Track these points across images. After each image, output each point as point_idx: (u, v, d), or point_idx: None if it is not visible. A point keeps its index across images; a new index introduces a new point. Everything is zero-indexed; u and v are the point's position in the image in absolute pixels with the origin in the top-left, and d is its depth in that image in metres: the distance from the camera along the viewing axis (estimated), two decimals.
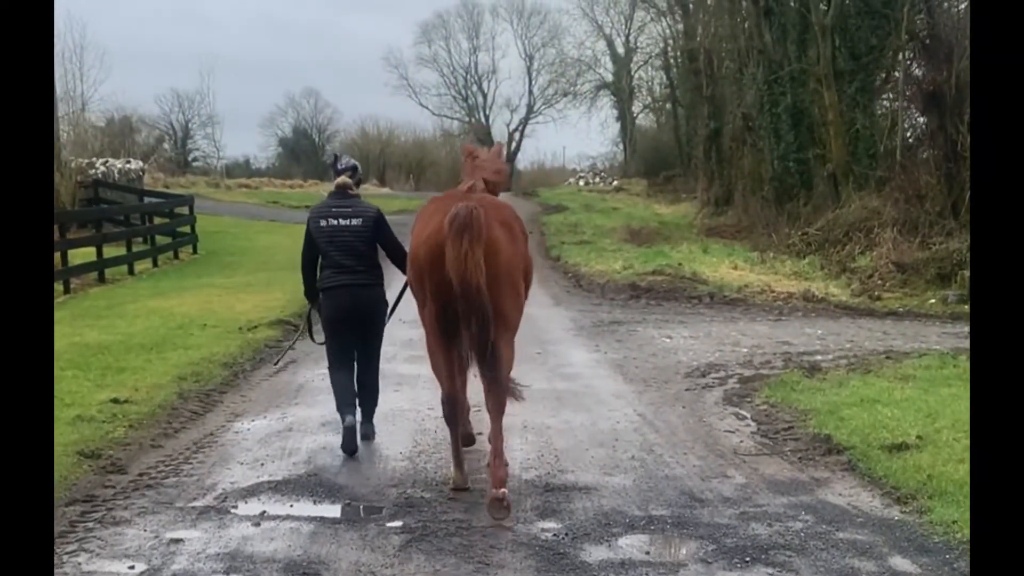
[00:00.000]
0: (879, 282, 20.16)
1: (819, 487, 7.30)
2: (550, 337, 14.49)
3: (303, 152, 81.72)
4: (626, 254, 25.16)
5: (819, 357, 13.07)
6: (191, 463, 7.92)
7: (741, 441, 8.68)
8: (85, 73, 43.36)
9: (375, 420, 8.86)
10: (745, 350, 13.61)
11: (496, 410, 7.02)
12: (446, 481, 7.37)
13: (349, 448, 8.18)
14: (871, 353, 13.34)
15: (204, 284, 20.64)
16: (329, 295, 8.41)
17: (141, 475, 7.51)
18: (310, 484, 7.33)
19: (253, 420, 9.37)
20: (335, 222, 8.35)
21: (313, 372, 11.71)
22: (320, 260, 8.46)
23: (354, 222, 8.37)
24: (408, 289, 8.03)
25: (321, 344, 8.94)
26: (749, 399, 10.42)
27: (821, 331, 15.53)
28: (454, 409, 7.44)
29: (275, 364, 11.56)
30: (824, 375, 11.48)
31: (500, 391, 7.03)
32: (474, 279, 6.57)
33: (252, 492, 7.17)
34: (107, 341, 12.95)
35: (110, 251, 23.81)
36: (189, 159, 75.81)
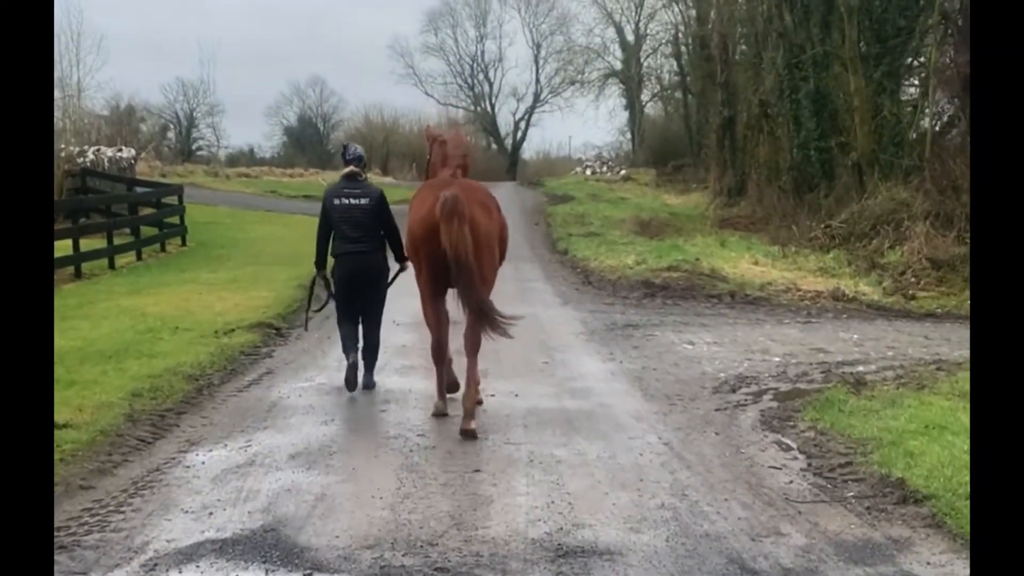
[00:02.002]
0: (913, 280, 18.68)
1: (900, 551, 5.83)
2: (558, 343, 13.04)
3: (308, 141, 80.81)
4: (638, 247, 23.64)
5: (861, 368, 11.63)
6: (123, 511, 6.46)
7: (791, 481, 7.23)
8: (82, 59, 42.08)
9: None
10: (777, 359, 12.16)
11: (472, 349, 8.88)
12: (433, 541, 5.92)
13: (351, 384, 9.83)
14: (918, 363, 11.92)
15: (187, 279, 19.19)
16: (341, 260, 10.08)
17: (57, 530, 6.03)
18: (264, 544, 5.87)
19: (210, 450, 7.91)
20: (347, 201, 10.04)
21: (291, 386, 10.28)
22: (333, 232, 10.06)
23: (363, 201, 10.06)
24: (401, 268, 10.41)
25: (316, 312, 11.44)
26: (791, 422, 8.96)
27: (857, 335, 14.09)
28: (441, 353, 9.24)
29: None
30: (872, 391, 10.04)
31: (476, 334, 8.81)
32: (463, 249, 8.40)
33: (190, 555, 5.71)
34: (64, 348, 11.45)
35: (90, 243, 22.44)
36: (193, 148, 75.02)
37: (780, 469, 7.55)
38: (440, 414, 9.01)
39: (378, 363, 10.51)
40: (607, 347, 12.81)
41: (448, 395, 9.31)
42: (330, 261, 10.26)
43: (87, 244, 22.43)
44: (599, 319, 15.07)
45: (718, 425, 8.92)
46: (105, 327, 13.13)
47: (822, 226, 24.55)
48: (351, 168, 10.24)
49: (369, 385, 10.13)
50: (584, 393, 10.11)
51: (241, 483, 7.03)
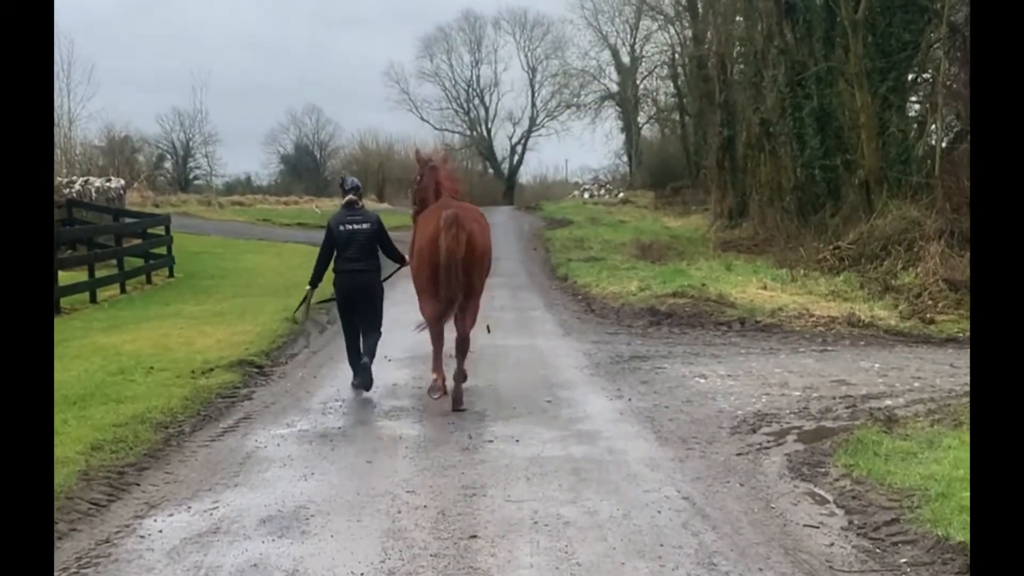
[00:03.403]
0: (930, 302, 17.78)
1: None
2: (561, 378, 12.14)
3: (305, 169, 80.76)
4: (641, 272, 22.71)
5: (889, 402, 10.75)
6: None
7: (832, 544, 6.32)
8: (72, 89, 41.39)
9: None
10: (797, 393, 11.27)
11: (461, 351, 10.61)
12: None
13: (365, 385, 11.11)
14: (949, 395, 11.04)
15: (170, 313, 18.30)
16: (341, 276, 11.25)
17: None
18: None
19: (171, 514, 6.99)
20: (350, 227, 11.28)
21: (269, 433, 9.37)
22: (335, 253, 11.26)
23: (364, 226, 11.33)
24: (397, 272, 12.29)
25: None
26: (823, 469, 8.07)
27: (878, 364, 13.20)
28: (439, 339, 10.60)
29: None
30: (906, 429, 9.15)
31: (466, 338, 10.64)
32: (455, 251, 10.09)
33: None
34: None
35: (70, 277, 21.55)
36: (190, 177, 74.64)
37: (817, 528, 6.64)
38: (437, 388, 10.36)
39: (369, 404, 10.58)
40: (614, 382, 11.91)
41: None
42: (330, 277, 11.46)
43: (70, 277, 21.60)
44: (604, 351, 14.17)
45: (741, 473, 8.02)
46: (75, 368, 12.22)
47: (830, 247, 23.64)
48: (350, 197, 11.56)
49: (366, 382, 11.10)
50: (592, 437, 9.20)
51: (201, 557, 6.11)
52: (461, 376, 10.57)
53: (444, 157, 12.56)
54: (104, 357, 13.13)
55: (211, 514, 6.96)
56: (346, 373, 11.98)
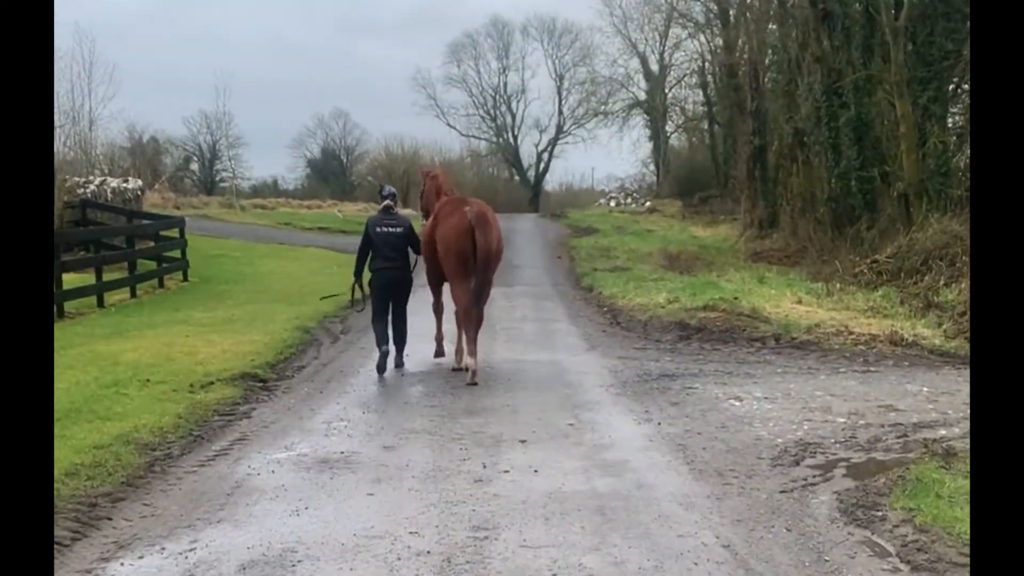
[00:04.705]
0: None
1: None
2: (585, 398, 11.27)
3: (331, 173, 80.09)
4: (669, 284, 21.75)
5: (943, 431, 9.82)
6: None
7: None
8: (93, 89, 40.82)
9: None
10: (842, 419, 10.36)
11: (477, 326, 12.22)
12: None
13: (381, 370, 12.61)
14: None
15: (178, 320, 17.55)
16: (378, 273, 12.85)
17: None
18: None
19: (141, 556, 6.15)
20: (386, 229, 12.89)
21: (264, 458, 8.54)
22: (371, 252, 12.90)
23: (397, 229, 12.97)
24: (416, 262, 13.51)
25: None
26: (879, 512, 7.17)
27: (926, 388, 12.27)
28: (469, 317, 12.12)
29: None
30: (967, 466, 8.23)
31: (481, 313, 12.33)
32: (492, 246, 12.08)
33: None
34: None
35: (79, 279, 20.85)
36: (216, 180, 74.36)
37: None
38: (466, 370, 12.13)
39: (376, 424, 9.89)
40: (641, 404, 11.04)
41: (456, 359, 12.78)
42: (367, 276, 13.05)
43: (80, 279, 20.91)
44: (630, 368, 13.29)
45: (788, 516, 7.13)
46: (66, 379, 11.42)
47: (867, 261, 22.68)
48: (387, 203, 13.23)
49: (400, 364, 12.95)
50: (618, 468, 8.33)
51: None
52: (476, 353, 12.28)
53: (441, 170, 14.50)
54: (100, 367, 12.36)
55: (186, 557, 6.12)
56: (355, 389, 11.56)
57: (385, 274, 12.83)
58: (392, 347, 12.81)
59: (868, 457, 8.91)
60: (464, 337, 12.37)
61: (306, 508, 7.11)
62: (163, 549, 6.28)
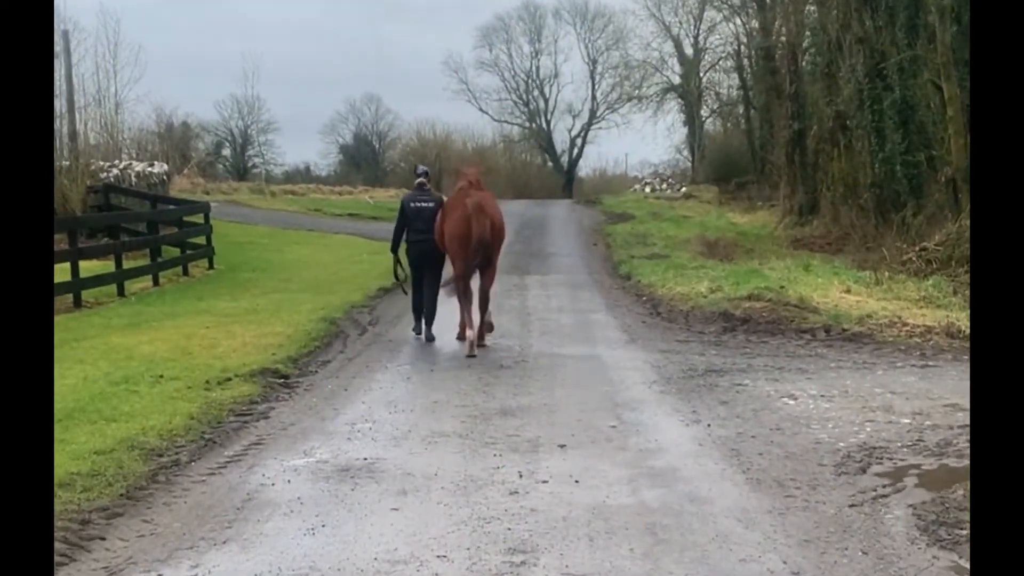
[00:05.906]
0: None
1: None
2: (627, 397, 10.52)
3: (363, 159, 79.63)
4: (710, 272, 20.89)
5: None
6: None
7: None
8: (119, 70, 40.12)
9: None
10: (906, 420, 9.56)
11: (483, 306, 13.65)
12: None
13: (418, 331, 14.36)
14: None
15: (201, 309, 16.91)
16: (413, 245, 14.19)
17: None
18: None
19: None
20: (420, 205, 14.17)
21: (280, 465, 7.84)
22: (407, 227, 14.16)
23: (429, 205, 14.17)
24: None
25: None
26: (963, 531, 6.35)
27: None
28: (467, 295, 13.50)
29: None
30: None
31: (487, 295, 13.73)
32: (485, 232, 13.20)
33: None
34: None
35: (100, 266, 20.25)
36: (248, 165, 73.94)
37: None
38: (466, 339, 13.14)
39: (404, 427, 9.17)
40: (688, 403, 10.27)
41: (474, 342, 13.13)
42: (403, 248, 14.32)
43: (101, 267, 20.30)
44: (674, 362, 12.52)
45: (860, 535, 6.35)
46: (74, 375, 10.79)
47: (916, 248, 21.76)
48: (420, 180, 14.57)
49: (430, 338, 14.03)
50: (667, 477, 7.57)
51: None
52: (488, 326, 13.73)
53: (476, 172, 14.89)
54: (112, 361, 11.72)
55: None
56: (382, 386, 10.95)
57: (418, 246, 14.08)
58: (424, 325, 14.07)
59: (940, 463, 8.12)
60: (464, 312, 13.50)
61: (323, 526, 6.38)
62: (160, 575, 5.57)
